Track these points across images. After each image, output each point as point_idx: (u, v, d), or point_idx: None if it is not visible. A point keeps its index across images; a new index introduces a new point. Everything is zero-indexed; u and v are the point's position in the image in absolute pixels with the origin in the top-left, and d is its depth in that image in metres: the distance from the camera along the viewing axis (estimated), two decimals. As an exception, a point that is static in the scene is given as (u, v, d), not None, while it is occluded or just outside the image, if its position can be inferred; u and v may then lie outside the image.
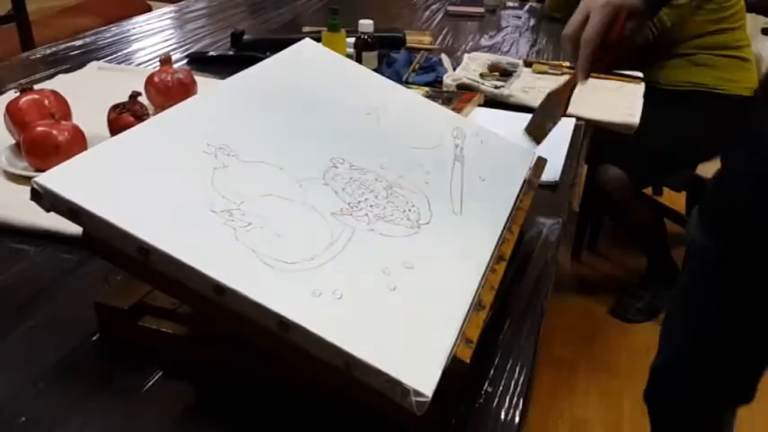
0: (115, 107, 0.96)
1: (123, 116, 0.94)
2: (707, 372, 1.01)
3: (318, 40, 1.09)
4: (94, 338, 0.60)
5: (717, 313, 0.94)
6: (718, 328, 0.96)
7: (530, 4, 2.23)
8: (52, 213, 0.51)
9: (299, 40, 0.80)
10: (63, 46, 1.50)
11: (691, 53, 1.82)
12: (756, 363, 1.00)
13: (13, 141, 0.93)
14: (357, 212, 0.58)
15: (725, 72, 1.81)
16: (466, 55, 1.50)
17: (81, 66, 1.34)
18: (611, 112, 1.22)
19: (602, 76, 1.41)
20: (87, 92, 1.15)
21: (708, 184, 0.95)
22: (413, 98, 0.83)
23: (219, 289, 0.47)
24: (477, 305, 0.53)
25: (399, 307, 0.51)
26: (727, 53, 1.81)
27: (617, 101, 1.28)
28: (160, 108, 1.05)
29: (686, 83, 1.83)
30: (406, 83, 1.31)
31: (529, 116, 0.93)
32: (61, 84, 1.18)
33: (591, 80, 1.39)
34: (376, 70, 1.03)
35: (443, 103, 1.08)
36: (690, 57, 1.82)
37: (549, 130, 0.90)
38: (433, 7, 2.12)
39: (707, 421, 1.11)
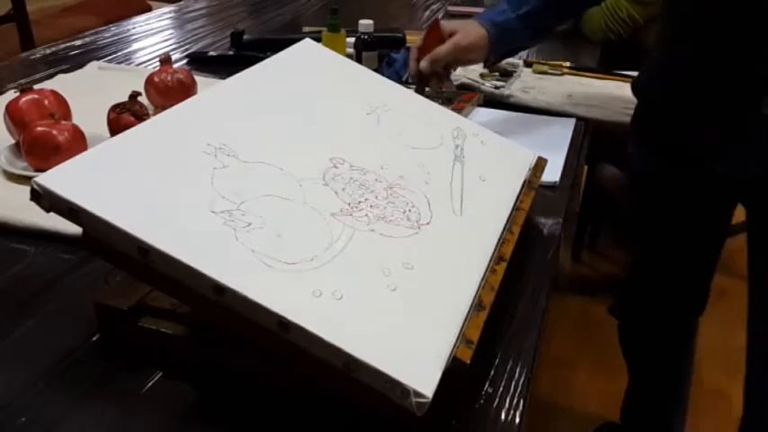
0: (115, 107, 0.96)
1: (123, 116, 0.94)
2: (660, 283, 1.18)
3: (318, 40, 1.09)
4: (94, 338, 0.60)
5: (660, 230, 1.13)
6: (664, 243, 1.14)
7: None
8: (52, 213, 0.50)
9: (299, 40, 0.80)
10: (63, 46, 1.50)
11: None
12: (701, 273, 1.15)
13: (13, 141, 0.92)
14: (357, 213, 0.58)
15: None
16: (466, 55, 1.49)
17: (81, 66, 1.34)
18: (611, 112, 1.22)
19: (602, 76, 1.41)
20: (87, 92, 1.15)
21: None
22: (413, 98, 0.83)
23: (219, 289, 0.47)
24: (477, 305, 0.53)
25: (399, 307, 0.51)
26: None
27: (617, 101, 1.28)
28: (160, 108, 1.05)
29: None
30: (406, 83, 1.31)
31: (528, 116, 0.93)
32: (61, 84, 1.18)
33: (591, 80, 1.40)
34: (376, 70, 1.02)
35: (443, 103, 1.08)
36: None
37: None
38: (433, 7, 2.12)
39: (670, 334, 1.27)
